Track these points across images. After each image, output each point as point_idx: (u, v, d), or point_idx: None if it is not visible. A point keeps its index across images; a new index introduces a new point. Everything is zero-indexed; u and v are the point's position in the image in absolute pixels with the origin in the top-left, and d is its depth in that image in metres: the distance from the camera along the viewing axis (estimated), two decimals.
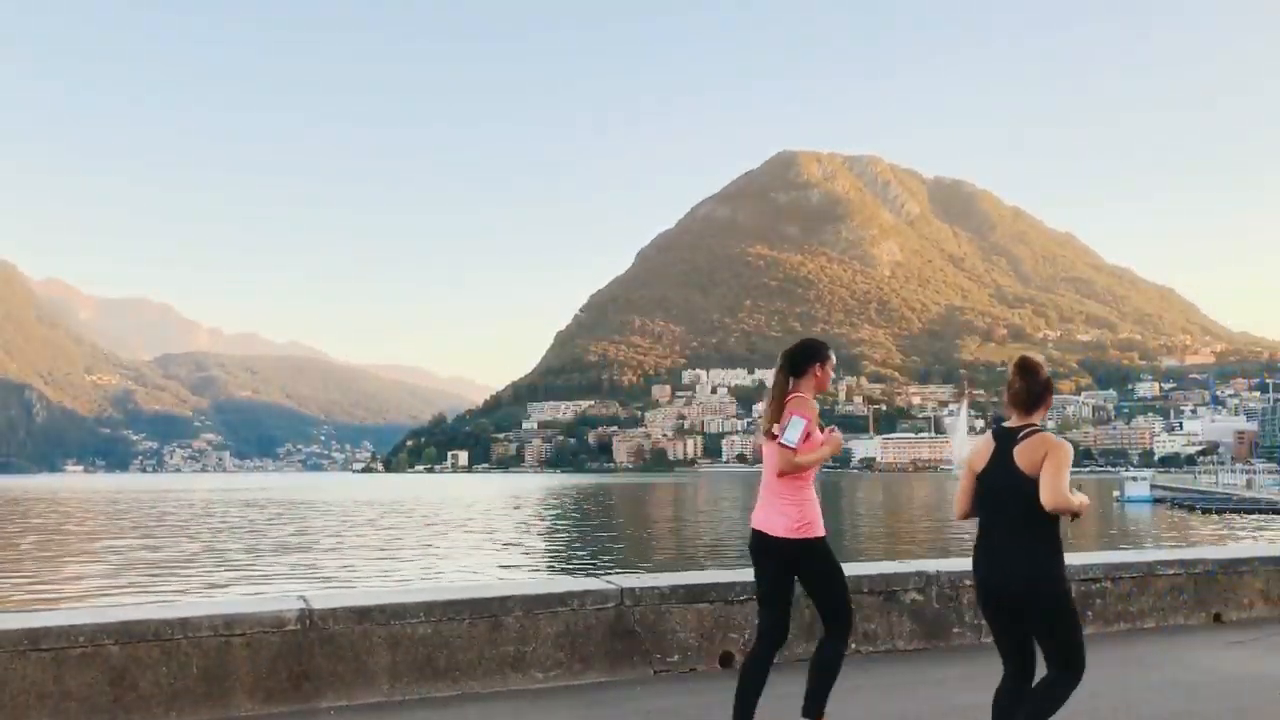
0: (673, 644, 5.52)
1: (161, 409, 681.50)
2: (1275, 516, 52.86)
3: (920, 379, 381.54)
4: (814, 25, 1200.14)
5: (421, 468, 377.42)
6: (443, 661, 5.07)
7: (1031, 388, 3.75)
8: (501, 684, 5.15)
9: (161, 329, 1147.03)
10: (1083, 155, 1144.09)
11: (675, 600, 5.55)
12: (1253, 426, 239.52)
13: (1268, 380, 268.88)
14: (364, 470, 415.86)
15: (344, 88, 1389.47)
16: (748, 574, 6.01)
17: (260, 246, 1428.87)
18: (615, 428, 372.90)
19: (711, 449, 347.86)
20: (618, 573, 12.50)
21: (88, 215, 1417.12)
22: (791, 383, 4.24)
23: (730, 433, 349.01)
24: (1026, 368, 3.80)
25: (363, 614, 4.96)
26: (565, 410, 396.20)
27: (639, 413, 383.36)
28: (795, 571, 4.20)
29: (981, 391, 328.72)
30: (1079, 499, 3.58)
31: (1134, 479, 78.07)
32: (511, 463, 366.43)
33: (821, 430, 4.21)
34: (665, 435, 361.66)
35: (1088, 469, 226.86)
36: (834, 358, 4.37)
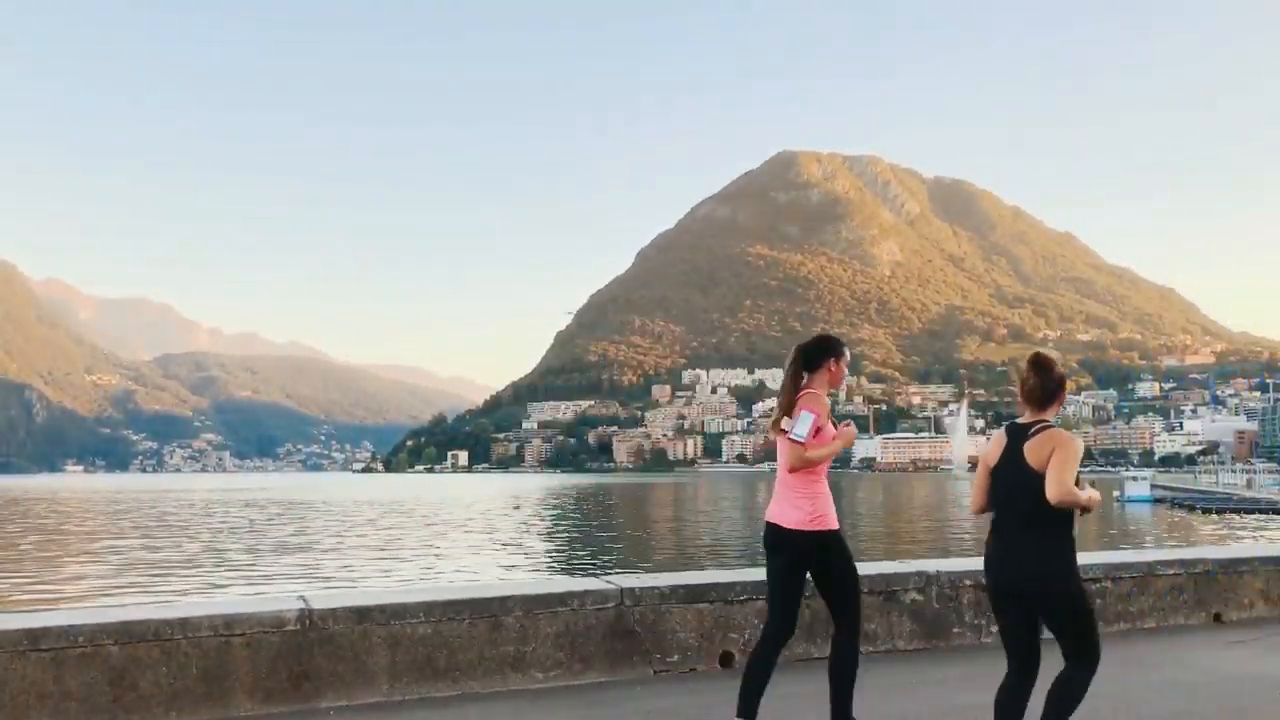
0: (673, 644, 5.51)
1: (161, 409, 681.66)
2: (1275, 516, 52.77)
3: (920, 379, 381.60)
4: (814, 25, 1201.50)
5: (421, 468, 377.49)
6: (443, 661, 5.07)
7: (1046, 384, 3.76)
8: (501, 684, 5.15)
9: (161, 329, 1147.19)
10: (1083, 155, 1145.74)
11: (675, 600, 5.55)
12: (1253, 426, 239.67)
13: (1268, 380, 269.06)
14: (364, 470, 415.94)
15: (344, 88, 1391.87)
16: (748, 574, 6.03)
17: (260, 246, 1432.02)
18: (615, 428, 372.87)
19: (711, 449, 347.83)
20: (618, 573, 12.50)
21: (88, 215, 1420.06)
22: (805, 377, 4.26)
23: (730, 433, 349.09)
24: (1040, 364, 3.80)
25: (363, 614, 4.96)
26: (565, 410, 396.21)
27: (639, 413, 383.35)
28: (808, 565, 4.21)
29: (981, 391, 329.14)
30: (1087, 494, 3.58)
31: (1134, 479, 77.99)
32: (511, 463, 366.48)
33: (835, 426, 4.23)
34: (665, 435, 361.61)
35: (1088, 469, 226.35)
36: (849, 354, 4.38)
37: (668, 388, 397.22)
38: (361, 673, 4.92)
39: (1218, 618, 6.99)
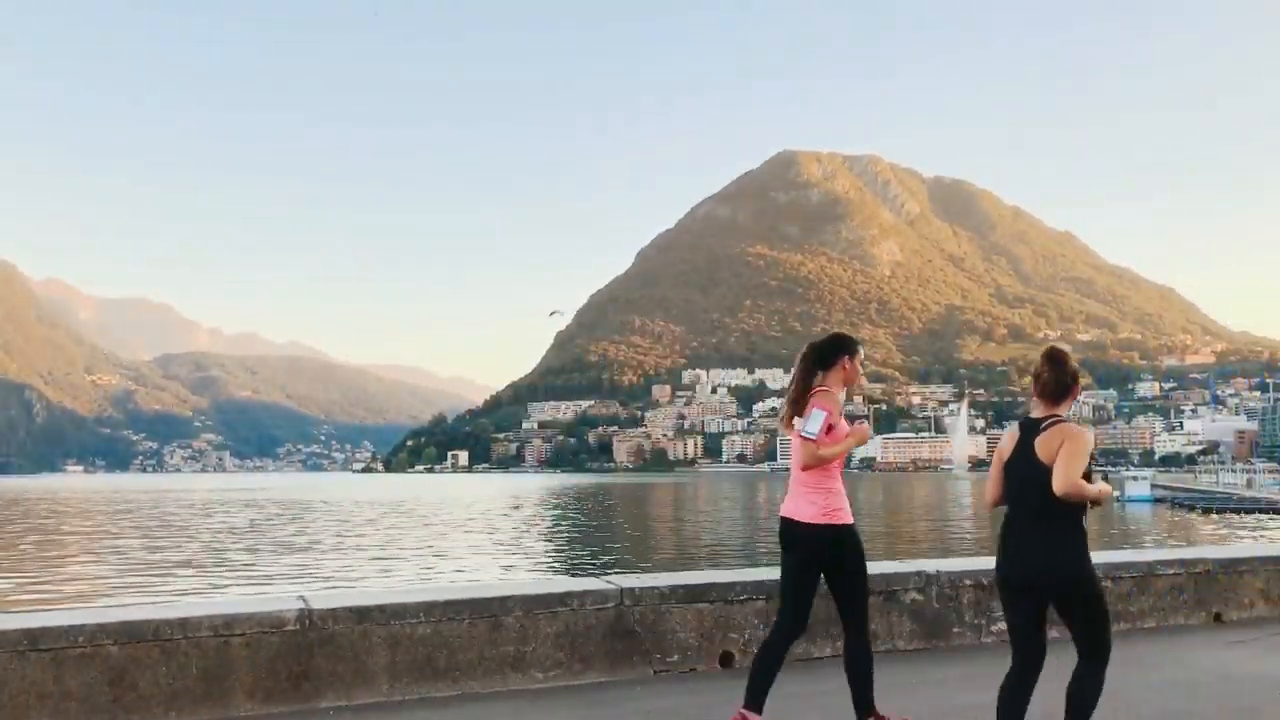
0: (673, 644, 5.51)
1: (161, 409, 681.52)
2: (1275, 516, 52.78)
3: (920, 379, 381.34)
4: (814, 25, 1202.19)
5: (421, 468, 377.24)
6: (442, 661, 5.07)
7: (1060, 378, 3.77)
8: (501, 684, 5.15)
9: (161, 329, 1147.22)
10: (1083, 155, 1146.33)
11: (675, 600, 5.55)
12: (1253, 426, 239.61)
13: (1268, 380, 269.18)
14: (364, 470, 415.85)
15: (344, 88, 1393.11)
16: (748, 574, 6.04)
17: (260, 246, 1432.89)
18: (615, 428, 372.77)
19: (711, 449, 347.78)
20: (618, 573, 12.50)
21: (88, 215, 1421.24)
22: (820, 375, 4.29)
23: (730, 433, 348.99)
24: (1055, 358, 3.81)
25: (362, 614, 4.96)
26: (565, 410, 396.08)
27: (639, 413, 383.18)
28: (822, 560, 4.21)
29: (981, 391, 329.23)
30: (1096, 488, 3.58)
31: (1134, 478, 78.02)
32: (511, 463, 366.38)
33: (850, 424, 4.24)
34: (665, 435, 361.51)
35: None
36: (862, 352, 4.43)
37: (668, 388, 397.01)
38: (361, 673, 4.91)
39: (1218, 617, 6.99)
